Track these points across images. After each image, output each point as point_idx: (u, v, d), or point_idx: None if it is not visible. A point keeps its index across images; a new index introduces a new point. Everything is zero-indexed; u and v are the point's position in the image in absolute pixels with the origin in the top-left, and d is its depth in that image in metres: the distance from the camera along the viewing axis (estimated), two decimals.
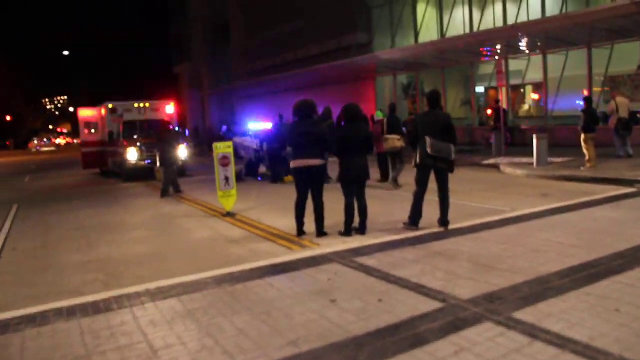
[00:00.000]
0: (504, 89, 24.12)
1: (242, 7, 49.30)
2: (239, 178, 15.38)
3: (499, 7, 24.96)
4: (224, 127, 33.60)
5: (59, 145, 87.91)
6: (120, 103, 22.62)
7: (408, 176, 11.92)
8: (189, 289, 5.98)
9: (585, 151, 13.69)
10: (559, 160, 15.64)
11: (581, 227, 7.73)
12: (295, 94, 40.48)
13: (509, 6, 24.11)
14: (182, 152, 18.88)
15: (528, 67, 23.38)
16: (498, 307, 4.77)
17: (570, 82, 21.78)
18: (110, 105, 22.36)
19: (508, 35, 19.62)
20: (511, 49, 21.86)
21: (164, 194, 14.55)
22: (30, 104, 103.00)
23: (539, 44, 20.13)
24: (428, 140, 8.05)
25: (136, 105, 22.56)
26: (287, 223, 9.39)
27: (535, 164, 14.90)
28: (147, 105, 22.68)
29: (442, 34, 26.71)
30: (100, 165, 23.50)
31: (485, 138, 22.37)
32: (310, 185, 8.45)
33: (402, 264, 6.40)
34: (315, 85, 37.42)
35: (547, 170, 13.93)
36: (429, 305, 4.94)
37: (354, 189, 8.45)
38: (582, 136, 13.65)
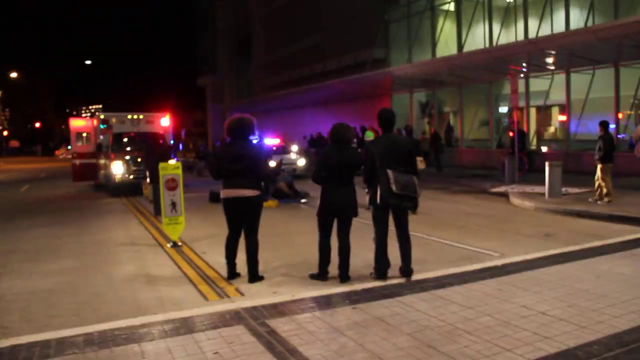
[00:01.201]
0: (525, 110, 22.31)
1: (264, 22, 48.50)
2: None
3: (520, 22, 23.15)
4: (218, 142, 32.53)
5: None
6: (113, 114, 21.57)
7: None
8: (46, 349, 4.57)
9: (600, 183, 11.78)
10: (576, 190, 13.76)
11: (578, 288, 5.97)
12: (312, 110, 39.43)
13: (531, 21, 22.29)
14: None
15: (551, 86, 21.46)
16: None
17: (597, 104, 19.84)
18: (101, 116, 21.27)
19: (526, 50, 17.85)
20: (531, 67, 20.06)
21: (159, 211, 12.97)
22: (62, 111, 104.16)
23: (552, 60, 18.25)
24: (390, 174, 6.42)
25: (129, 116, 21.43)
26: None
27: (546, 194, 13.07)
28: (141, 117, 21.52)
29: (460, 49, 24.98)
30: (91, 177, 22.33)
31: (503, 162, 20.48)
32: (242, 220, 6.90)
33: (322, 335, 4.77)
34: (331, 102, 36.17)
35: (558, 203, 12.09)
36: None
37: (331, 226, 6.88)
38: (599, 166, 11.74)
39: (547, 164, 13.11)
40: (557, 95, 21.20)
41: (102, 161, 20.30)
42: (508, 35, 23.79)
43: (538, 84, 21.98)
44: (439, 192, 16.05)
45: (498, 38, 23.49)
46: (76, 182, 22.68)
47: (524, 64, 18.59)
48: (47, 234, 11.25)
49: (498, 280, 6.35)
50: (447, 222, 10.91)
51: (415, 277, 6.67)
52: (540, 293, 5.78)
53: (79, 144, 22.42)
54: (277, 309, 5.59)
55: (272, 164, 16.76)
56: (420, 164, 13.44)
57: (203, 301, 6.24)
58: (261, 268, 7.38)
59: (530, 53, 17.72)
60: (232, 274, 7.07)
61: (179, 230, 9.57)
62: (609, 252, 7.68)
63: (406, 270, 6.68)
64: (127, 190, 18.52)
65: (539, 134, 23.67)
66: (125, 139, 19.86)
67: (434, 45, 27.30)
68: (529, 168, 19.70)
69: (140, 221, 12.72)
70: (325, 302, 5.80)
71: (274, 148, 25.38)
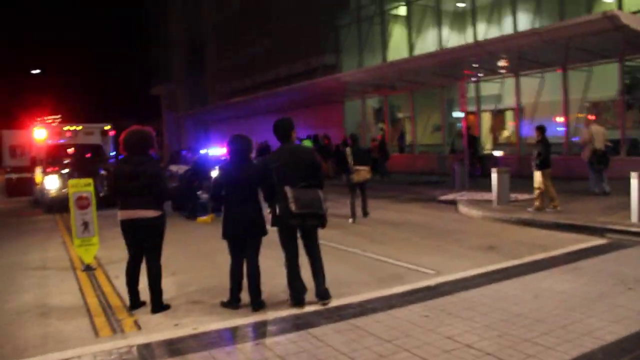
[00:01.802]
0: (477, 114, 22.00)
1: (217, 29, 47.57)
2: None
3: (470, 26, 22.89)
4: (184, 151, 31.53)
5: None
6: (50, 125, 20.43)
7: None
8: None
9: (539, 191, 11.25)
10: (526, 197, 13.29)
11: (513, 312, 5.35)
12: (265, 117, 38.36)
13: (480, 25, 22.03)
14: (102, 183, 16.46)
15: (503, 90, 21.18)
16: None
17: (547, 107, 19.62)
18: (37, 128, 20.11)
19: (474, 53, 17.46)
20: (481, 70, 19.72)
21: None
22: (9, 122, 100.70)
23: (502, 63, 17.92)
24: (289, 192, 5.73)
25: (66, 128, 20.32)
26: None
27: (494, 202, 12.58)
28: (79, 128, 20.44)
29: (411, 54, 24.58)
30: (26, 193, 21.11)
31: (453, 168, 20.07)
32: (141, 244, 6.11)
33: None
34: (283, 110, 35.34)
35: (506, 211, 11.60)
36: None
37: (238, 247, 6.14)
38: (537, 174, 11.22)
39: (493, 170, 12.64)
40: (509, 99, 20.94)
41: (37, 176, 19.18)
42: (459, 39, 23.50)
43: (490, 87, 21.69)
44: (388, 201, 15.46)
45: (448, 42, 23.18)
46: (11, 198, 21.46)
47: (475, 66, 18.19)
48: None
49: (427, 305, 5.70)
50: (389, 235, 10.28)
51: (338, 301, 6.00)
52: (470, 320, 5.15)
53: (13, 156, 21.24)
54: (171, 347, 4.85)
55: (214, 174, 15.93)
56: (366, 173, 12.52)
57: (92, 337, 5.43)
58: (173, 293, 6.66)
59: (477, 56, 17.33)
60: (135, 303, 6.26)
61: (93, 252, 8.71)
62: (552, 265, 7.14)
63: (320, 292, 6.01)
64: (63, 206, 17.40)
65: (494, 138, 23.39)
66: (63, 152, 18.78)
67: (384, 50, 26.88)
68: (482, 173, 19.31)
69: (64, 240, 11.75)
70: (227, 337, 5.06)
71: (223, 158, 24.51)
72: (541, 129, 11.11)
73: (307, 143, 12.91)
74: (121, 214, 6.04)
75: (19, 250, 10.78)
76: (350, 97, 28.83)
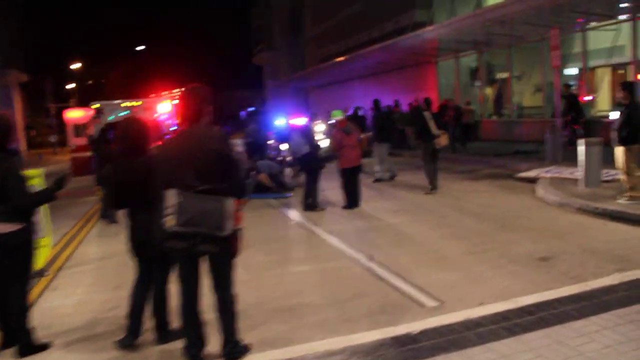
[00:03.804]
0: (583, 71, 18.42)
1: None
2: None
3: None
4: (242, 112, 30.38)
5: None
6: (107, 102, 19.77)
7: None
8: None
9: (621, 172, 8.27)
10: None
11: None
12: (360, 82, 36.45)
13: None
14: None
15: (618, 40, 17.38)
16: None
17: None
18: (95, 105, 19.53)
19: None
20: (590, 16, 16.24)
21: (104, 216, 10.79)
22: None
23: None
24: (172, 198, 3.80)
25: (123, 104, 19.55)
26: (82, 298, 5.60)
27: (582, 183, 9.76)
28: (137, 103, 19.61)
29: None
30: (89, 171, 20.78)
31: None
32: None
33: None
34: (377, 73, 33.15)
35: (591, 198, 8.81)
36: None
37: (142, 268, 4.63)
38: (619, 150, 8.22)
39: (580, 142, 9.77)
40: (624, 52, 17.18)
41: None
42: None
43: (600, 39, 17.98)
44: (459, 179, 12.95)
45: None
46: (77, 177, 21.28)
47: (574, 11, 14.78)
48: None
49: None
50: (418, 233, 7.99)
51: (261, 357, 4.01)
52: None
53: (77, 136, 20.92)
54: None
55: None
56: (446, 139, 10.92)
57: None
58: (96, 314, 5.04)
59: None
60: (8, 339, 4.65)
61: (44, 256, 7.27)
62: (622, 302, 4.58)
63: (227, 352, 4.05)
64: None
65: (613, 99, 19.55)
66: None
67: (479, 2, 23.55)
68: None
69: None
70: None
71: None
72: (629, 88, 8.06)
73: (338, 113, 10.64)
74: None
75: None
76: (444, 56, 25.89)
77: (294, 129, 11.18)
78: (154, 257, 4.46)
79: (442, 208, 9.69)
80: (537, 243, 6.78)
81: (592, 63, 18.67)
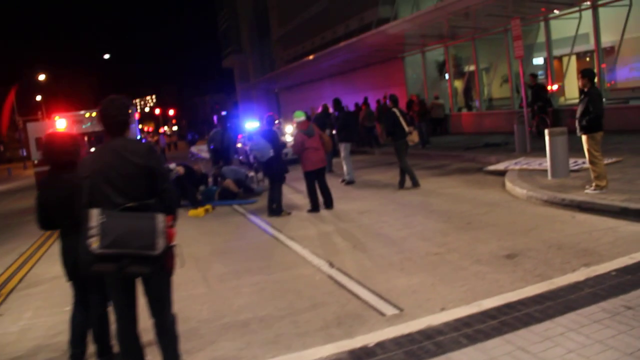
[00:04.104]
0: (547, 60, 18.38)
1: None
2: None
3: None
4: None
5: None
6: (70, 114, 19.19)
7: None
8: None
9: (588, 162, 8.11)
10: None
11: None
12: (329, 82, 36.19)
13: None
14: None
15: (578, 28, 17.35)
16: None
17: (635, 45, 15.81)
18: (56, 117, 18.95)
19: None
20: (550, 4, 16.19)
21: None
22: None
23: None
24: (94, 217, 3.46)
25: (88, 114, 18.99)
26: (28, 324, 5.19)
27: (549, 174, 9.61)
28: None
29: None
30: None
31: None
32: None
33: None
34: (345, 71, 32.93)
35: (559, 189, 8.65)
36: None
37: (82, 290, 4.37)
38: (584, 137, 8.02)
39: (546, 132, 9.61)
40: (586, 40, 17.17)
41: None
42: None
43: (562, 28, 17.96)
44: (427, 175, 12.74)
45: None
46: None
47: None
48: None
49: None
50: (383, 235, 7.74)
51: None
52: None
53: (39, 149, 20.23)
54: None
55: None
56: (416, 135, 10.86)
57: None
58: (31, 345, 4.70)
59: None
60: None
61: None
62: (588, 300, 4.36)
63: None
64: None
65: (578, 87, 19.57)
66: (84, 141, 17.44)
67: None
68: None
69: (25, 251, 10.20)
70: None
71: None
72: (589, 75, 7.88)
73: (300, 114, 10.33)
74: None
75: None
76: (410, 51, 25.76)
77: (257, 132, 10.87)
78: (88, 280, 4.14)
79: (409, 207, 9.45)
80: (503, 240, 6.56)
81: (557, 52, 18.66)
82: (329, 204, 10.09)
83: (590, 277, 4.80)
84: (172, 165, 12.08)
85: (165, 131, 75.29)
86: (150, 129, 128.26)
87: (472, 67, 22.62)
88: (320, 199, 10.13)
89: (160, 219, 3.54)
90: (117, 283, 3.72)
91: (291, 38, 42.51)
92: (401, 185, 11.21)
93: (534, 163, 11.41)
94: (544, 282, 4.86)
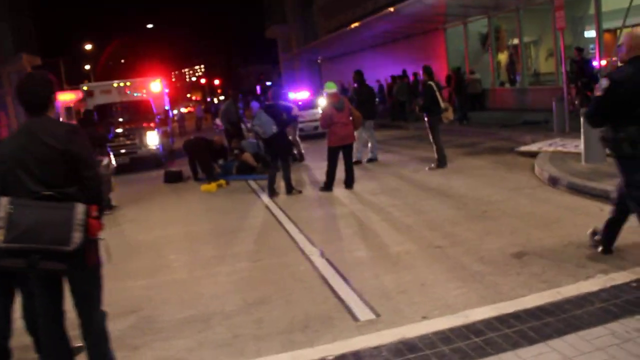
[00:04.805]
0: (597, 33, 17.05)
1: None
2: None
3: None
4: (254, 103, 29.33)
5: (181, 114, 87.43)
6: (97, 84, 19.16)
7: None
8: None
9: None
10: None
11: None
12: (370, 53, 35.19)
13: None
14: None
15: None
16: None
17: None
18: (85, 88, 18.88)
19: None
20: None
21: None
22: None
23: None
24: (2, 206, 3.03)
25: (115, 84, 18.82)
26: None
27: (582, 158, 8.74)
28: (128, 83, 18.83)
29: None
30: None
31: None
32: None
33: None
34: (387, 42, 31.95)
35: (587, 176, 7.82)
36: None
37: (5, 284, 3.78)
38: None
39: (581, 111, 8.69)
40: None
41: None
42: None
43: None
44: (456, 153, 11.93)
45: None
46: None
47: None
48: None
49: None
50: (388, 221, 7.12)
51: None
52: None
53: (67, 119, 20.35)
54: None
55: None
56: (450, 113, 10.16)
57: None
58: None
59: None
60: None
61: None
62: (599, 318, 3.66)
63: None
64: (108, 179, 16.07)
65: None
66: (109, 111, 17.13)
67: None
68: None
69: None
70: None
71: (299, 103, 21.73)
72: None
73: (331, 86, 9.70)
74: None
75: None
76: (452, 22, 24.55)
77: (261, 107, 10.22)
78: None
79: (426, 190, 8.76)
80: (516, 234, 5.83)
81: (608, 25, 17.28)
82: (349, 183, 9.47)
83: (605, 288, 4.07)
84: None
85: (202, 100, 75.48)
86: (198, 98, 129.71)
87: (516, 40, 21.35)
88: (340, 176, 9.49)
89: (80, 210, 3.05)
90: (37, 280, 3.27)
91: (333, 7, 41.45)
92: (442, 164, 10.39)
93: (569, 145, 10.48)
94: (549, 290, 4.17)
